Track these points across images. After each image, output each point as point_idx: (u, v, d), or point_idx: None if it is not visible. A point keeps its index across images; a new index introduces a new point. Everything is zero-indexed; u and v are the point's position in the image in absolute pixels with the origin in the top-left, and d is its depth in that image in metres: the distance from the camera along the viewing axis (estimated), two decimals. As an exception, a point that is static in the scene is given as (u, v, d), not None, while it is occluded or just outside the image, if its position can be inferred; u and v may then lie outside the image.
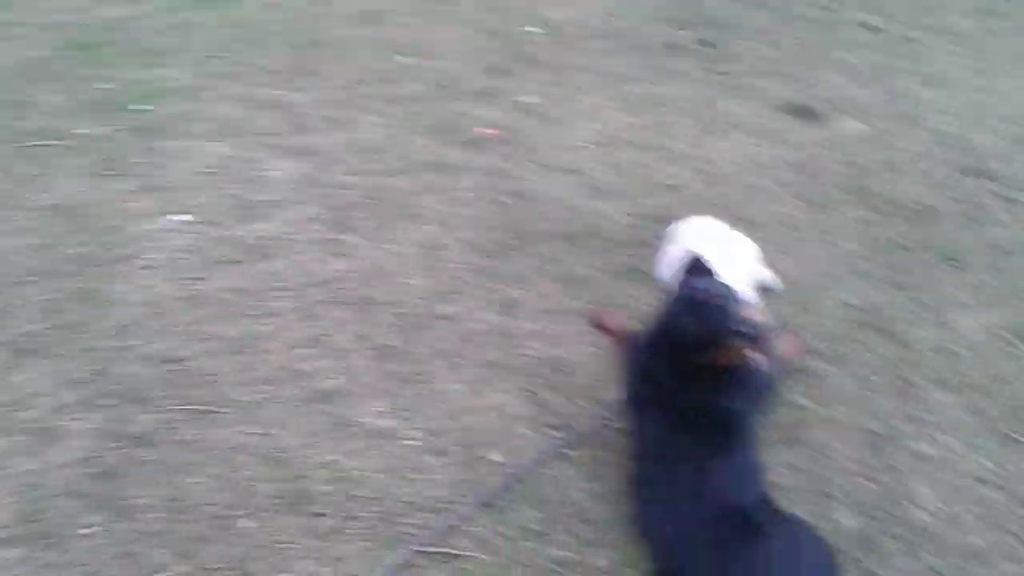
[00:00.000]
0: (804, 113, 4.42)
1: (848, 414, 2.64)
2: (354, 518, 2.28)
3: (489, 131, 4.17)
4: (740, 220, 3.53)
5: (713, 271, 2.38)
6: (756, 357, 2.20)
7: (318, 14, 5.69)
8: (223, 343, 2.83)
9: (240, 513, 2.28)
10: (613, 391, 2.66)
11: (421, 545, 2.19)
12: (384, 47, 5.13)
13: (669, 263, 3.09)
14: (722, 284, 2.25)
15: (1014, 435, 2.59)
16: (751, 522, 1.96)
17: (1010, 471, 2.47)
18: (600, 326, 2.93)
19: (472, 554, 2.19)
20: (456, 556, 2.19)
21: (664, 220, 3.47)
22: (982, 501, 2.38)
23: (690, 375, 2.18)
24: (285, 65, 4.84)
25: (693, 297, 2.16)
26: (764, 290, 3.07)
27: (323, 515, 2.28)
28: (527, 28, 5.50)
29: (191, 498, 2.32)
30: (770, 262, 3.26)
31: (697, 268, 2.38)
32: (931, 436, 2.57)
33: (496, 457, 2.46)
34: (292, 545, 2.20)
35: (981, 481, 2.44)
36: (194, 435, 2.50)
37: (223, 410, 2.58)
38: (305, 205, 3.56)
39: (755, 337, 2.07)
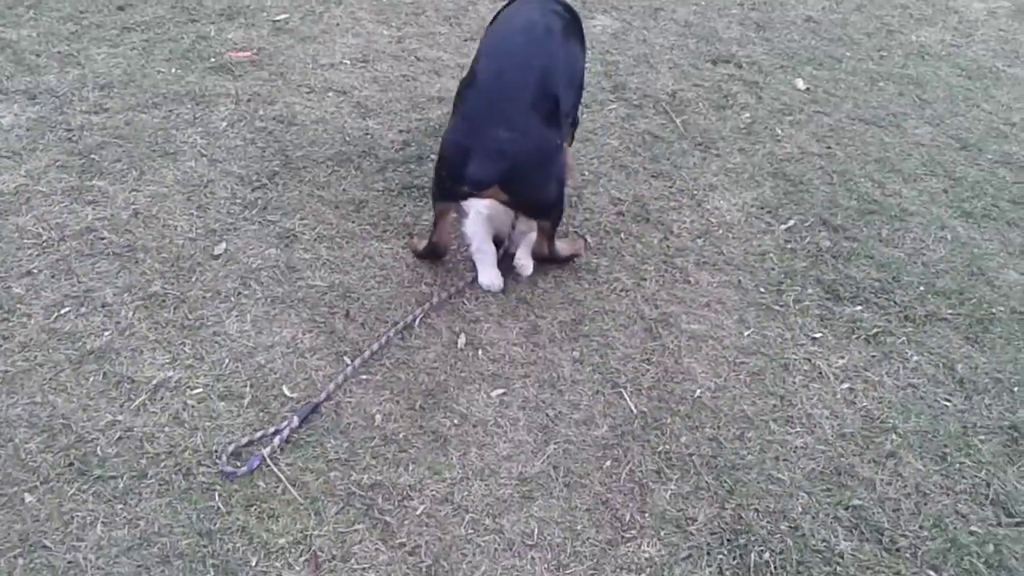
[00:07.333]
0: (558, 14, 4.48)
1: (624, 303, 2.79)
2: (146, 476, 2.17)
3: (241, 54, 3.95)
4: (508, 126, 3.58)
5: None
6: None
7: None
8: (-30, 313, 2.57)
9: (21, 488, 2.12)
10: (401, 309, 2.67)
11: (223, 492, 2.13)
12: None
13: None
14: None
15: (773, 305, 2.83)
16: None
17: (770, 338, 2.71)
18: (420, 254, 2.87)
19: (278, 493, 2.16)
20: (262, 496, 2.14)
21: (435, 134, 3.47)
22: (749, 370, 2.61)
23: None
24: (-3, -3, 4.32)
25: None
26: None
27: (113, 477, 2.16)
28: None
29: (-42, 484, 2.13)
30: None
31: None
32: (699, 315, 2.77)
33: (291, 393, 2.41)
34: (83, 513, 2.08)
35: (746, 351, 2.66)
36: (-49, 417, 2.28)
37: (-19, 385, 2.37)
38: (44, 152, 3.24)
39: None
